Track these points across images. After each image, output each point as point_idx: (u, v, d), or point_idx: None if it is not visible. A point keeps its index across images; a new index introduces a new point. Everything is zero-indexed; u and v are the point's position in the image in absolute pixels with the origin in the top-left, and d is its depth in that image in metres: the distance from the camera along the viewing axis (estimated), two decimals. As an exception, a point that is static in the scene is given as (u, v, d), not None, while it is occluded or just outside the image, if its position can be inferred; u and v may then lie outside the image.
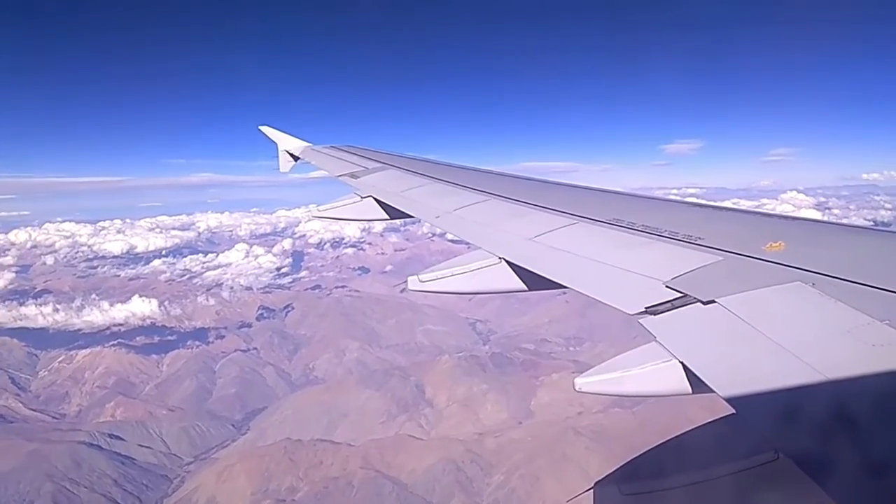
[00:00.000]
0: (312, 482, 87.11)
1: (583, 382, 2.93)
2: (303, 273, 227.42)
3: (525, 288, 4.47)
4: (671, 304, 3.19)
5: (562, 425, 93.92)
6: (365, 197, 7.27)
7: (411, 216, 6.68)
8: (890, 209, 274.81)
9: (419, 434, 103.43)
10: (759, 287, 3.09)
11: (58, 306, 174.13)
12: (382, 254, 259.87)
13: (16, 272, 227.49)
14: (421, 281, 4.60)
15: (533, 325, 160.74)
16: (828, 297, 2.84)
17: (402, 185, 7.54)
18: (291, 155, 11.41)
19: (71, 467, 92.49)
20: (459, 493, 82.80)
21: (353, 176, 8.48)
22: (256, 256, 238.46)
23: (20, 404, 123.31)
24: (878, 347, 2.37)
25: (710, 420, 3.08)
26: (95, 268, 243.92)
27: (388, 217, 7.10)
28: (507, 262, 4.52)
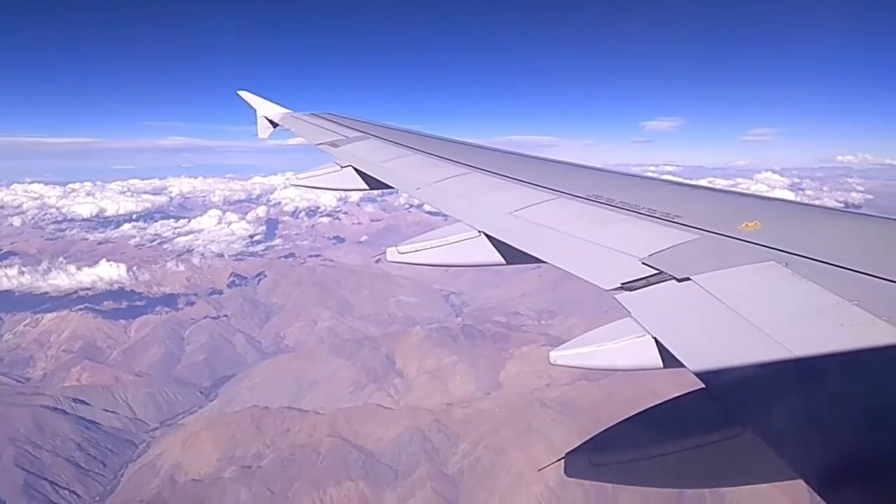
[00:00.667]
0: (279, 449, 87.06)
1: (557, 355, 2.99)
2: (276, 241, 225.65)
3: (503, 262, 4.49)
4: (647, 281, 3.24)
5: (529, 397, 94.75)
6: (345, 166, 7.19)
7: (391, 187, 6.64)
8: (861, 192, 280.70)
9: (388, 404, 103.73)
10: (734, 266, 3.15)
11: (24, 269, 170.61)
12: (358, 224, 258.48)
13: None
14: (399, 252, 4.58)
15: (506, 298, 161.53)
16: (800, 277, 2.90)
17: (382, 155, 7.48)
18: (270, 121, 11.14)
19: (34, 431, 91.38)
20: (425, 461, 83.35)
21: (333, 145, 8.35)
22: (229, 223, 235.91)
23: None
24: (847, 327, 2.43)
25: (678, 394, 3.07)
26: (64, 230, 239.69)
27: (367, 187, 7.06)
28: (486, 235, 4.53)
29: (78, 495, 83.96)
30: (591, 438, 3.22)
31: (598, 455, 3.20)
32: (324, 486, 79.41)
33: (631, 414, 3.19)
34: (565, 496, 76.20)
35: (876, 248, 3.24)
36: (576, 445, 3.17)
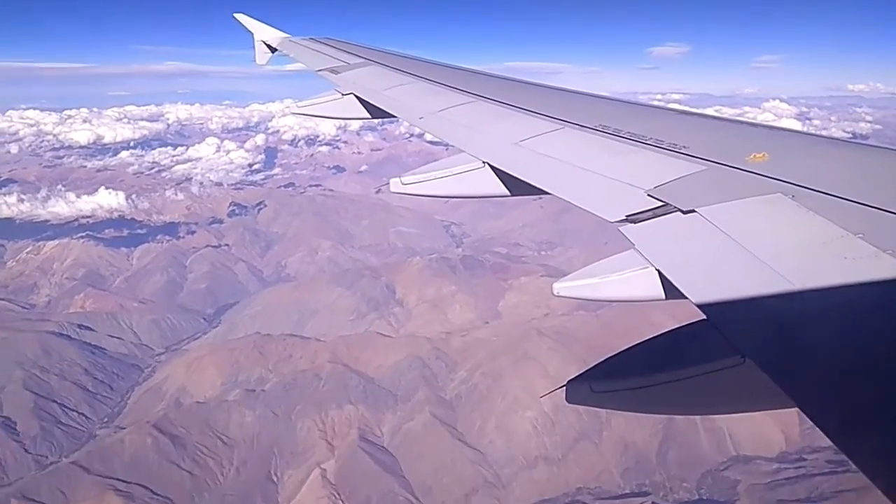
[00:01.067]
0: (281, 374, 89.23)
1: (560, 287, 3.02)
2: (276, 170, 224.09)
3: (507, 193, 4.49)
4: (652, 213, 3.25)
5: (526, 326, 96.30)
6: (346, 94, 7.06)
7: (394, 116, 6.53)
8: (870, 122, 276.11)
9: (388, 332, 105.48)
10: (741, 198, 3.15)
11: (23, 196, 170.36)
12: (358, 153, 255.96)
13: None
14: (403, 183, 4.58)
15: (507, 229, 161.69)
16: (806, 209, 2.89)
17: (384, 82, 7.34)
18: (268, 46, 10.97)
19: (41, 355, 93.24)
20: (424, 387, 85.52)
21: (334, 71, 8.22)
22: (228, 151, 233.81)
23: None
24: (851, 260, 2.45)
25: (679, 325, 3.09)
26: (61, 158, 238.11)
27: (369, 116, 6.97)
28: (490, 166, 4.50)
29: (86, 417, 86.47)
30: (594, 366, 3.26)
31: (599, 382, 3.24)
32: (325, 409, 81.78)
33: (631, 343, 3.23)
34: (559, 421, 78.64)
35: (882, 181, 3.22)
36: (577, 373, 3.22)
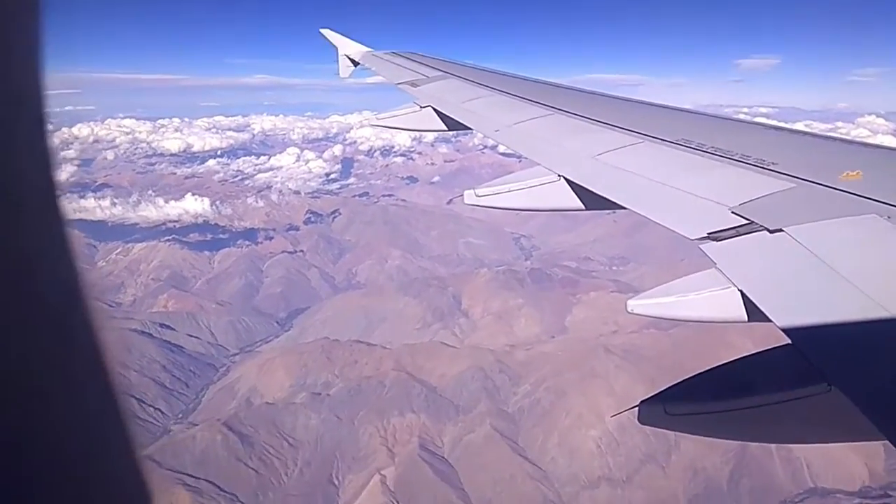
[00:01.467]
0: (347, 379, 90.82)
1: (635, 304, 2.97)
2: (351, 180, 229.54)
3: (583, 207, 4.44)
4: (736, 231, 3.14)
5: (594, 342, 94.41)
6: (424, 107, 7.19)
7: (470, 128, 6.63)
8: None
9: (452, 342, 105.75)
10: (832, 218, 3.01)
11: (115, 200, 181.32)
12: (432, 164, 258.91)
13: (78, 165, 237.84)
14: (477, 195, 4.59)
15: (577, 243, 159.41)
16: None
17: (462, 95, 7.45)
18: (351, 60, 11.36)
19: (122, 352, 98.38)
20: (486, 399, 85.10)
21: (413, 84, 8.38)
22: (307, 161, 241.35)
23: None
24: None
25: (761, 349, 3.01)
26: (153, 165, 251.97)
27: (446, 128, 7.07)
28: (566, 179, 4.46)
29: (162, 412, 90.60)
30: (668, 388, 3.17)
31: (674, 405, 3.13)
32: (387, 416, 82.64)
33: (705, 365, 3.15)
34: (625, 441, 76.51)
35: None
36: (650, 394, 3.15)
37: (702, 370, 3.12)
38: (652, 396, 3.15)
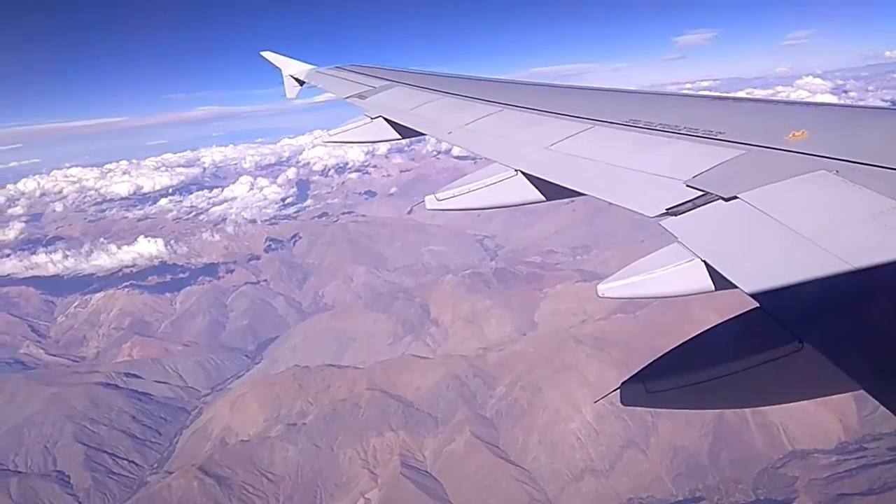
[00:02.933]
0: (321, 406, 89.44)
1: (605, 288, 2.97)
2: (308, 202, 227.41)
3: (543, 199, 4.49)
4: (692, 204, 3.19)
5: (563, 335, 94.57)
6: (375, 117, 7.21)
7: (423, 133, 6.61)
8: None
9: (426, 353, 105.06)
10: (783, 179, 3.06)
11: (67, 252, 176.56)
12: (388, 176, 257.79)
13: (26, 221, 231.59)
14: (438, 199, 4.60)
15: (540, 237, 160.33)
16: (852, 183, 2.82)
17: (411, 102, 7.46)
18: (297, 80, 11.23)
19: (90, 407, 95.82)
20: (463, 406, 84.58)
21: (361, 96, 8.39)
22: (261, 188, 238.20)
23: (41, 350, 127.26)
24: None
25: (733, 316, 2.96)
26: (104, 211, 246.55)
27: (399, 136, 7.06)
28: (523, 173, 4.49)
29: (137, 464, 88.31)
30: (647, 366, 3.14)
31: (654, 382, 3.09)
32: (366, 438, 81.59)
33: (673, 341, 3.13)
34: (604, 430, 76.71)
35: None
36: (630, 375, 3.14)
37: (676, 345, 3.11)
38: (632, 377, 3.14)
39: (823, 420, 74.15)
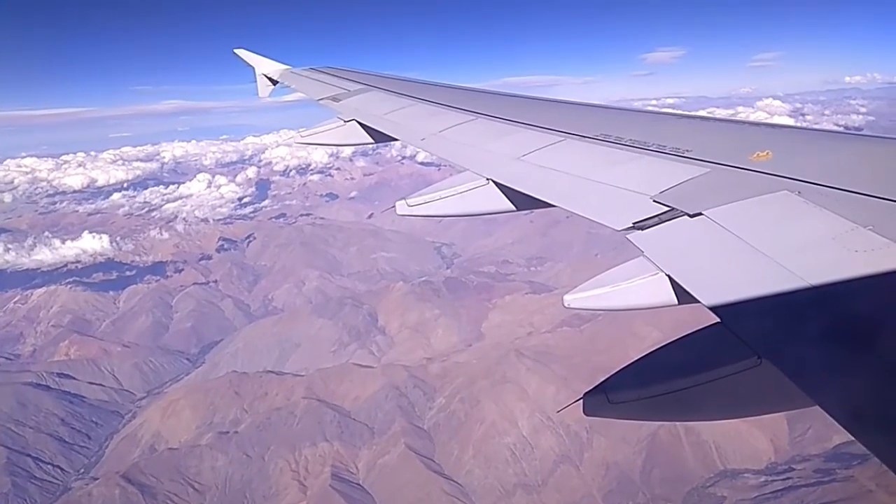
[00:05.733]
0: (256, 413, 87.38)
1: (571, 299, 3.03)
2: (266, 202, 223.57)
3: (513, 208, 4.51)
4: (659, 219, 3.26)
5: (507, 347, 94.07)
6: (349, 121, 7.16)
7: (396, 139, 6.61)
8: (864, 113, 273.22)
9: (370, 361, 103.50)
10: (747, 198, 3.15)
11: (10, 246, 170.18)
12: (351, 179, 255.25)
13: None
14: (409, 206, 4.58)
15: (497, 247, 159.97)
16: (813, 205, 2.91)
17: (385, 107, 7.44)
18: (270, 79, 11.12)
19: (16, 408, 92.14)
20: (401, 418, 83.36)
21: (335, 99, 8.34)
22: (219, 186, 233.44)
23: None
24: (861, 253, 2.46)
25: (695, 330, 3.01)
26: (56, 203, 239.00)
27: (372, 141, 7.05)
28: (494, 182, 4.52)
29: (62, 469, 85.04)
30: (611, 376, 3.17)
31: (617, 393, 3.10)
32: (299, 448, 79.77)
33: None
34: (539, 444, 76.28)
35: (886, 171, 3.17)
36: (595, 384, 3.15)
37: (639, 356, 3.14)
38: (595, 387, 3.17)
39: (755, 440, 74.68)
